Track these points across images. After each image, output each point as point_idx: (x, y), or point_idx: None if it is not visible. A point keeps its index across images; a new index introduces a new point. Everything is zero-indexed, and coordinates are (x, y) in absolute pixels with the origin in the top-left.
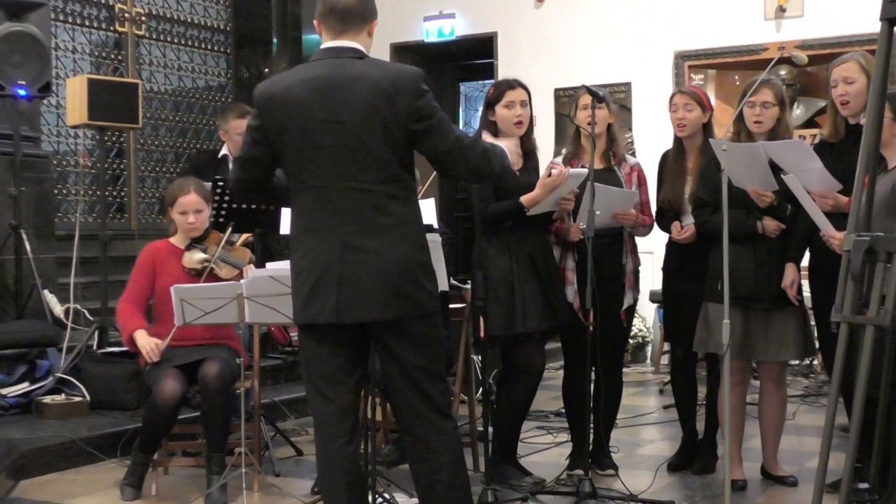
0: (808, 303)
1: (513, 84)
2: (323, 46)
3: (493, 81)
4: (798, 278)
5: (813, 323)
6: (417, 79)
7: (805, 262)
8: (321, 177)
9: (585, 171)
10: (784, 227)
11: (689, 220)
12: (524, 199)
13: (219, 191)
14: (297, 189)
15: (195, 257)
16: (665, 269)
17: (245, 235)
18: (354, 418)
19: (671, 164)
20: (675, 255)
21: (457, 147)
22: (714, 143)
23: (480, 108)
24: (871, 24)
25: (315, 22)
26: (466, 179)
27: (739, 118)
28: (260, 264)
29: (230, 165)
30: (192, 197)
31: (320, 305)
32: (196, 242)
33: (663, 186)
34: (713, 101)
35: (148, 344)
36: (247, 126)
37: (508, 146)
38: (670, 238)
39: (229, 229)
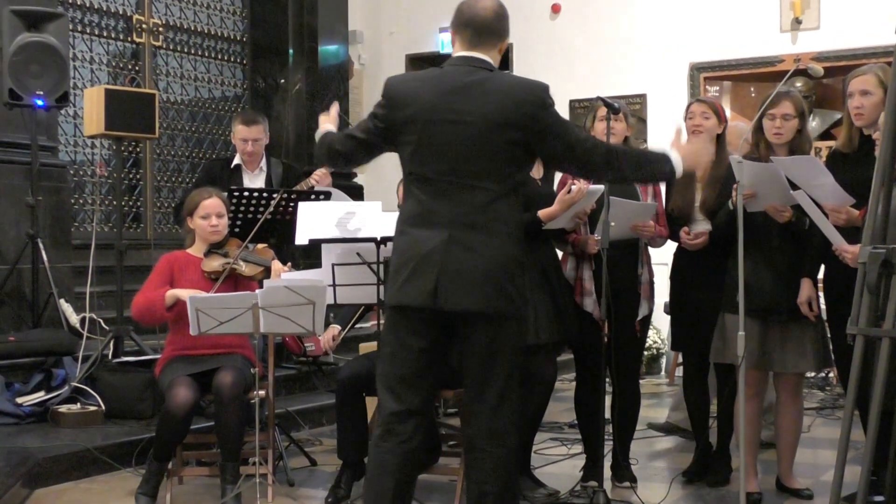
0: (823, 315)
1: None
2: (456, 54)
3: None
4: (815, 293)
5: (829, 335)
6: (543, 92)
7: (820, 274)
8: (436, 171)
9: (601, 188)
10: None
11: (698, 228)
12: (542, 213)
13: (234, 200)
14: (411, 180)
15: (216, 262)
16: (673, 278)
17: (260, 245)
18: (419, 420)
19: None
20: (685, 265)
21: (592, 146)
22: (732, 158)
23: None
24: (886, 36)
25: (450, 31)
26: (596, 179)
27: (759, 129)
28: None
29: (243, 175)
30: (214, 200)
31: (418, 289)
32: (215, 248)
33: (673, 194)
34: (728, 112)
35: (187, 291)
36: (370, 114)
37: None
38: (679, 247)
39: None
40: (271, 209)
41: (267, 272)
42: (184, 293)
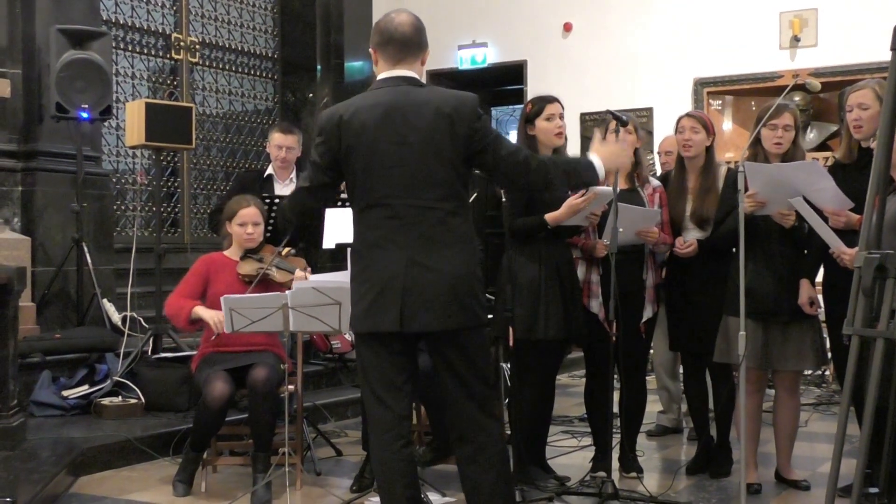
0: (820, 315)
1: (550, 98)
2: (382, 76)
3: (521, 105)
4: (814, 293)
5: (826, 335)
6: (474, 103)
7: (819, 277)
8: (388, 195)
9: (611, 188)
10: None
11: (689, 236)
12: (549, 217)
13: (266, 207)
14: (363, 206)
15: (250, 266)
16: (668, 281)
17: (288, 250)
18: (410, 422)
19: (673, 183)
20: (678, 269)
21: (516, 160)
22: (747, 165)
23: (514, 129)
24: (881, 53)
25: (371, 50)
26: (524, 190)
27: (756, 141)
28: None
29: (275, 185)
30: (252, 210)
31: (384, 315)
32: (251, 253)
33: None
34: (730, 125)
35: (213, 315)
36: (311, 157)
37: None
38: (672, 253)
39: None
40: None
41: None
42: (207, 315)
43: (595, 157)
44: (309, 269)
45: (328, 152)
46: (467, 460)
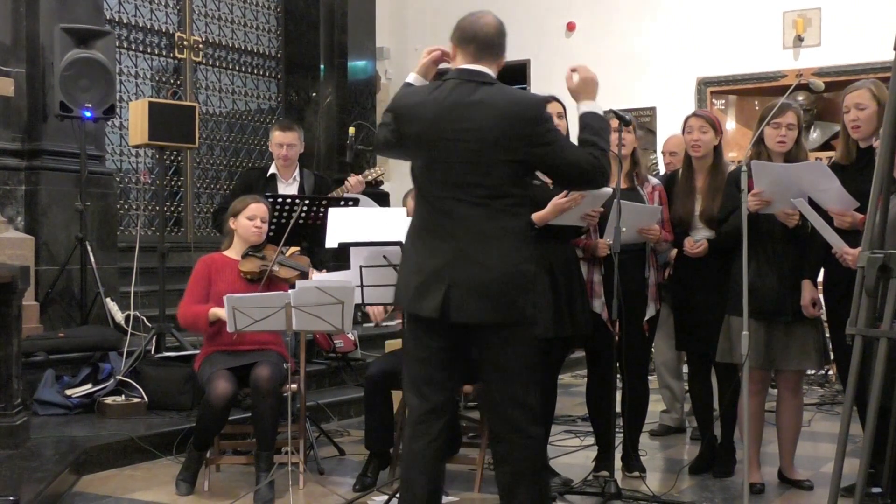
0: (823, 315)
1: (549, 99)
2: (459, 67)
3: None
4: (816, 294)
5: (828, 335)
6: (540, 107)
7: (821, 277)
8: (443, 188)
9: (609, 190)
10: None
11: (699, 236)
12: (535, 216)
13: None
14: (421, 195)
15: (252, 264)
16: (675, 281)
17: (293, 249)
18: (446, 419)
19: (681, 182)
20: (687, 269)
21: (576, 158)
22: (754, 164)
23: None
24: (884, 52)
25: (451, 45)
26: (581, 185)
27: (760, 140)
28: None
29: (278, 184)
30: (262, 206)
31: (426, 301)
32: (252, 251)
33: (674, 204)
34: (733, 124)
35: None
36: (382, 119)
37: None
38: (681, 252)
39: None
40: (302, 214)
41: (303, 277)
42: (223, 313)
43: (582, 105)
44: (314, 270)
45: (395, 132)
46: (501, 460)
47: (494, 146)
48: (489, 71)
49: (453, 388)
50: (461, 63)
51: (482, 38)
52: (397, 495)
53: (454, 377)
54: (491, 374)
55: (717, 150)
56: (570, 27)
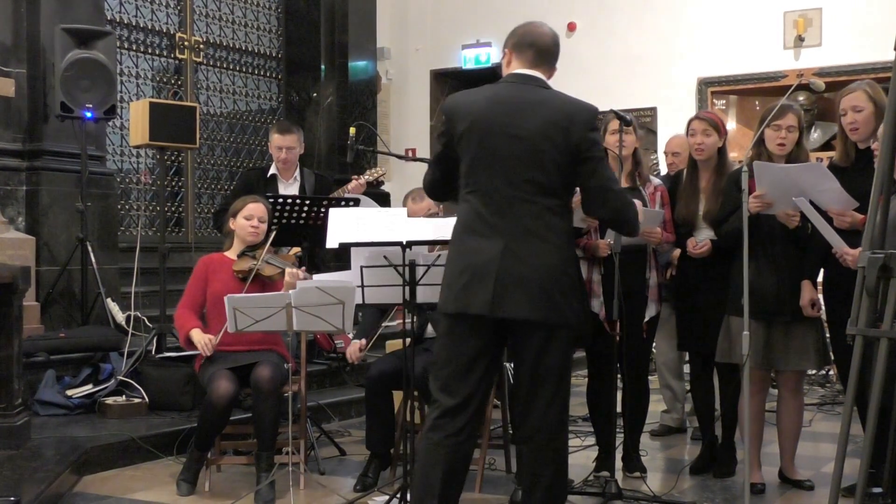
0: (823, 315)
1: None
2: (514, 71)
3: None
4: (816, 294)
5: (829, 335)
6: (592, 114)
7: (821, 277)
8: (491, 183)
9: None
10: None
11: (703, 236)
12: None
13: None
14: (467, 191)
15: (245, 262)
16: (679, 282)
17: (295, 249)
18: (471, 415)
19: (685, 183)
20: (690, 269)
21: (607, 187)
22: (756, 164)
23: None
24: (884, 52)
25: (506, 50)
26: (603, 219)
27: (760, 142)
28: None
29: (279, 184)
30: (260, 205)
31: (475, 297)
32: (249, 251)
33: (678, 204)
34: (734, 124)
35: (202, 339)
36: (437, 134)
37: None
38: (684, 253)
39: (272, 235)
40: (303, 214)
41: (283, 274)
42: (196, 338)
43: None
44: (300, 267)
45: (445, 133)
46: (528, 457)
47: (546, 145)
48: (541, 76)
49: (485, 388)
50: (516, 68)
51: (541, 46)
52: (398, 496)
53: (486, 378)
54: (525, 375)
55: (721, 151)
56: (571, 27)
